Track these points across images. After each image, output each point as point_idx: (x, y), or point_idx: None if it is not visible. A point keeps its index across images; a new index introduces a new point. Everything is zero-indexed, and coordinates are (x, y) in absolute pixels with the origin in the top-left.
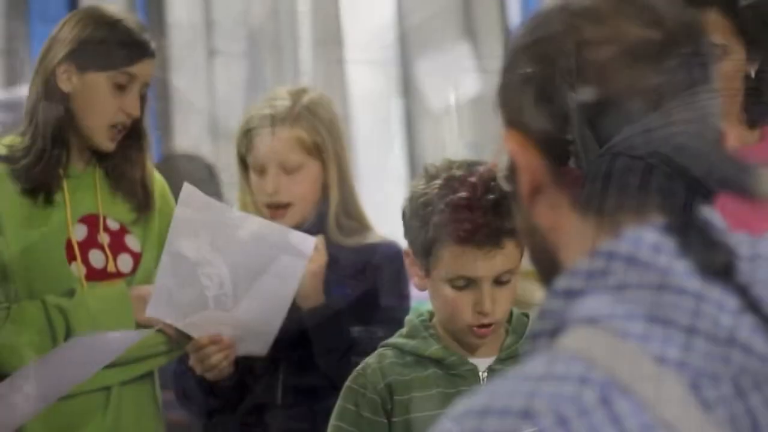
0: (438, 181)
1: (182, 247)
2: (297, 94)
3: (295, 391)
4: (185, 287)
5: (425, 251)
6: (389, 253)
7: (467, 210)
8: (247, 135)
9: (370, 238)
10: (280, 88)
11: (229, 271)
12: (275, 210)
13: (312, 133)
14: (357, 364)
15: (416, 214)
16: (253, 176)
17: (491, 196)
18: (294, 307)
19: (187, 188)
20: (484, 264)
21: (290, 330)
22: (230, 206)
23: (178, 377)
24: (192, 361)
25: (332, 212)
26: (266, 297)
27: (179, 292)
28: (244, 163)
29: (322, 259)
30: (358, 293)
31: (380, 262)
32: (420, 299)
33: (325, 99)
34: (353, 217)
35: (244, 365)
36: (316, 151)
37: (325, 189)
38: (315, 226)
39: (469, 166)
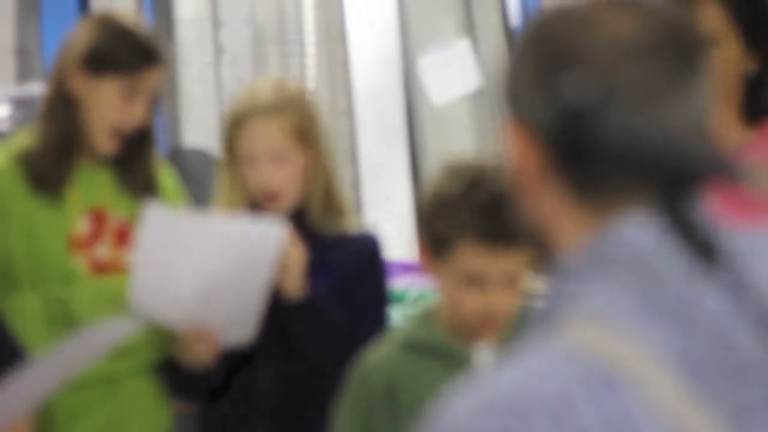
0: (460, 180)
1: (151, 265)
2: (279, 86)
3: (281, 381)
4: (159, 301)
5: (440, 245)
6: (369, 243)
7: (487, 210)
8: (233, 127)
9: (351, 229)
10: (260, 81)
11: (203, 275)
12: (266, 197)
13: (297, 122)
14: (357, 355)
15: (435, 209)
16: (243, 166)
17: (511, 198)
18: (277, 299)
19: (148, 209)
20: (497, 264)
21: (275, 320)
22: (197, 211)
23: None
24: (179, 355)
25: (315, 202)
26: (242, 286)
27: (154, 306)
28: (230, 156)
29: (301, 253)
30: (338, 283)
31: (360, 253)
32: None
33: (305, 90)
34: (334, 208)
35: (232, 356)
36: (301, 139)
37: (308, 179)
38: (298, 215)
39: (491, 166)
